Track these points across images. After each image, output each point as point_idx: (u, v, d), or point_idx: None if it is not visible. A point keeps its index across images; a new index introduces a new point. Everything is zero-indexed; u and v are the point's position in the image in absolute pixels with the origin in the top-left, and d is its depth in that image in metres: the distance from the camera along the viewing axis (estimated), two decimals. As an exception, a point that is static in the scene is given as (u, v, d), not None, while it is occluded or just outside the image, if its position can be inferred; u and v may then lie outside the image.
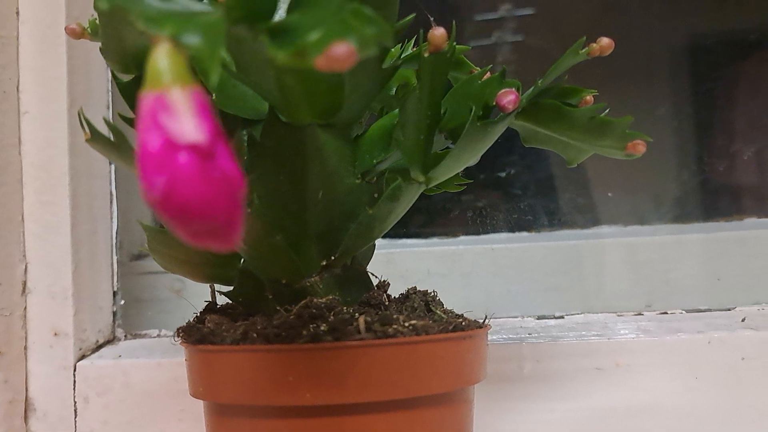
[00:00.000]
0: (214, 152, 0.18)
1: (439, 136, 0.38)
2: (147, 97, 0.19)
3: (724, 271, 0.61)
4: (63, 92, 0.55)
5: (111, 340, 0.59)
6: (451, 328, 0.34)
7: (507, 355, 0.51)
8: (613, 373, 0.50)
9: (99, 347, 0.57)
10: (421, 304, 0.37)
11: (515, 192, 0.71)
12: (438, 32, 0.32)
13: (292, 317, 0.33)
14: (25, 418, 0.55)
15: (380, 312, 0.33)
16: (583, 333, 0.53)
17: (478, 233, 0.70)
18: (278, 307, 0.35)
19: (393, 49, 0.46)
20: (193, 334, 0.34)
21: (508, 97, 0.34)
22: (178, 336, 0.35)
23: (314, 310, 0.33)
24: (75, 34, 0.35)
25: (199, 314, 0.38)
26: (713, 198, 0.70)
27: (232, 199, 0.19)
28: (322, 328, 0.31)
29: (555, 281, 0.63)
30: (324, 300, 0.34)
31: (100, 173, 0.59)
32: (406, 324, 0.33)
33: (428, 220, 0.71)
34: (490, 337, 0.53)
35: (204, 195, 0.18)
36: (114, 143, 0.30)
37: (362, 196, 0.35)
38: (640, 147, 0.35)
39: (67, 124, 0.55)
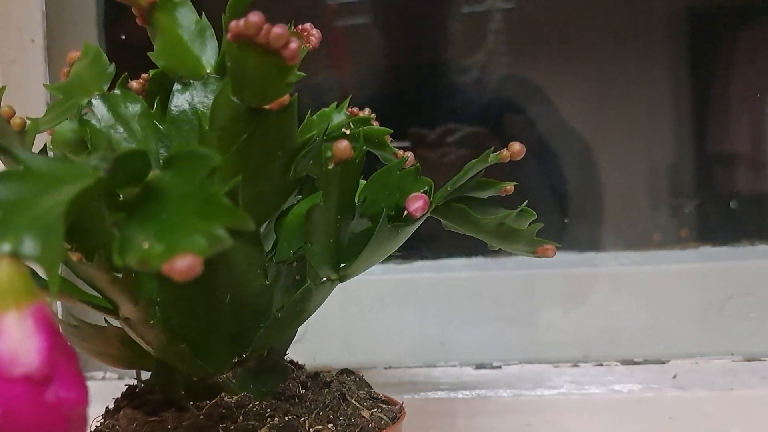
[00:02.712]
0: (50, 376, 0.18)
1: (360, 220, 0.38)
2: (-16, 317, 0.19)
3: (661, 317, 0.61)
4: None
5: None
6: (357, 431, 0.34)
7: (440, 410, 0.52)
8: (543, 431, 0.51)
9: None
10: (336, 396, 0.37)
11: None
12: (342, 145, 0.32)
13: (201, 417, 0.34)
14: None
15: (287, 419, 0.34)
16: (518, 387, 0.53)
17: (433, 259, 0.70)
18: (191, 403, 0.35)
19: (327, 109, 0.45)
20: (101, 436, 0.34)
21: (416, 204, 0.34)
22: (88, 438, 0.35)
23: (224, 410, 0.34)
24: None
25: (117, 400, 0.39)
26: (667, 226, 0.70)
27: (69, 421, 0.19)
28: (228, 435, 0.32)
29: (504, 311, 0.63)
30: (234, 399, 0.34)
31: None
32: (311, 431, 0.33)
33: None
34: (422, 395, 0.54)
35: (39, 422, 0.18)
36: None
37: (272, 298, 0.35)
38: (549, 252, 0.35)
39: None
